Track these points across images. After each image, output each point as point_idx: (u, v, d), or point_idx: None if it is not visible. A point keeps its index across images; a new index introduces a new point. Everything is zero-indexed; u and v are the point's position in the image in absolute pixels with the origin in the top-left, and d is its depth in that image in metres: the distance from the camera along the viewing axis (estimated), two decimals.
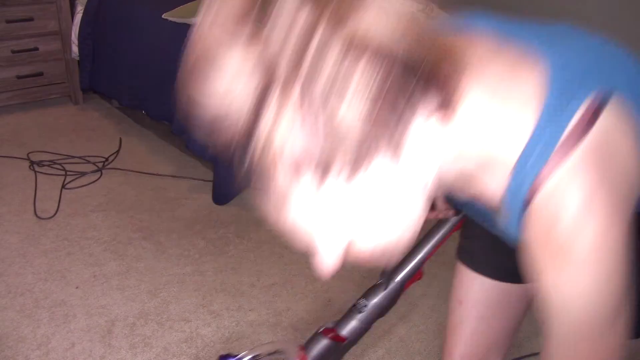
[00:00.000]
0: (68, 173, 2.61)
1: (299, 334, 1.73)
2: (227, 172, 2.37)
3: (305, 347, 0.93)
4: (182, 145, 2.80)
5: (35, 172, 2.60)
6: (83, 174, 2.61)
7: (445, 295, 1.92)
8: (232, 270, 2.02)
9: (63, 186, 2.51)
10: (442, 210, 1.01)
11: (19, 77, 3.13)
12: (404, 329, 1.76)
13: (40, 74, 3.20)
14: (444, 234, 1.03)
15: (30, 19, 3.07)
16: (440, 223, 1.04)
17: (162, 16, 2.68)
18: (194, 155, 2.71)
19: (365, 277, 1.98)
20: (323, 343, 0.92)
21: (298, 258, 2.09)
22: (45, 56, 3.18)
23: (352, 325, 0.96)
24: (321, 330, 0.94)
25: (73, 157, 2.76)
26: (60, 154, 2.77)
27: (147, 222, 2.28)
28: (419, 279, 1.02)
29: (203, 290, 1.91)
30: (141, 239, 2.17)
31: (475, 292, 1.06)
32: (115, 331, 1.73)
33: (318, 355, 0.92)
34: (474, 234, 1.05)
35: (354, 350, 1.69)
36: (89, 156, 2.76)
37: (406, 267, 0.99)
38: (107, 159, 2.75)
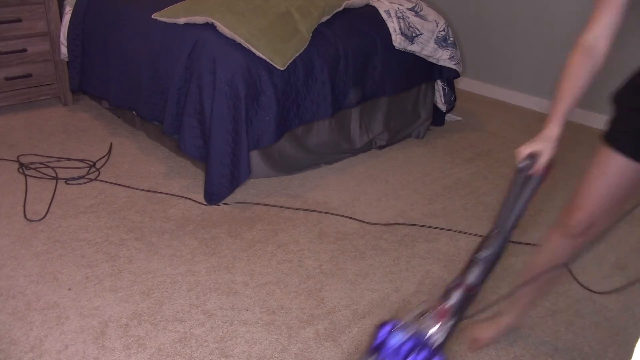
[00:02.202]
0: (58, 175, 2.60)
1: (293, 333, 1.74)
2: (218, 172, 2.37)
3: (443, 300, 1.15)
4: (172, 146, 2.79)
5: (25, 174, 2.59)
6: (73, 176, 2.61)
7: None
8: (225, 269, 2.02)
9: (54, 188, 2.50)
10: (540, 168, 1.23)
11: (7, 79, 3.11)
12: None
13: (29, 76, 3.19)
14: (533, 190, 1.24)
15: (19, 20, 3.06)
16: (525, 179, 1.24)
17: (152, 16, 2.67)
18: (185, 156, 2.71)
19: (358, 275, 1.99)
20: (457, 295, 1.15)
21: (291, 257, 2.09)
22: (34, 57, 3.17)
23: (476, 273, 1.18)
24: (453, 285, 1.17)
25: (63, 158, 2.75)
26: (50, 156, 2.76)
27: (139, 222, 2.28)
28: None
29: (196, 290, 1.91)
30: (133, 240, 2.17)
31: (614, 167, 1.34)
32: (109, 332, 1.72)
33: (456, 304, 1.14)
34: (621, 121, 1.33)
35: (348, 347, 1.70)
36: (79, 158, 2.75)
37: (513, 218, 1.24)
38: (97, 161, 2.74)
